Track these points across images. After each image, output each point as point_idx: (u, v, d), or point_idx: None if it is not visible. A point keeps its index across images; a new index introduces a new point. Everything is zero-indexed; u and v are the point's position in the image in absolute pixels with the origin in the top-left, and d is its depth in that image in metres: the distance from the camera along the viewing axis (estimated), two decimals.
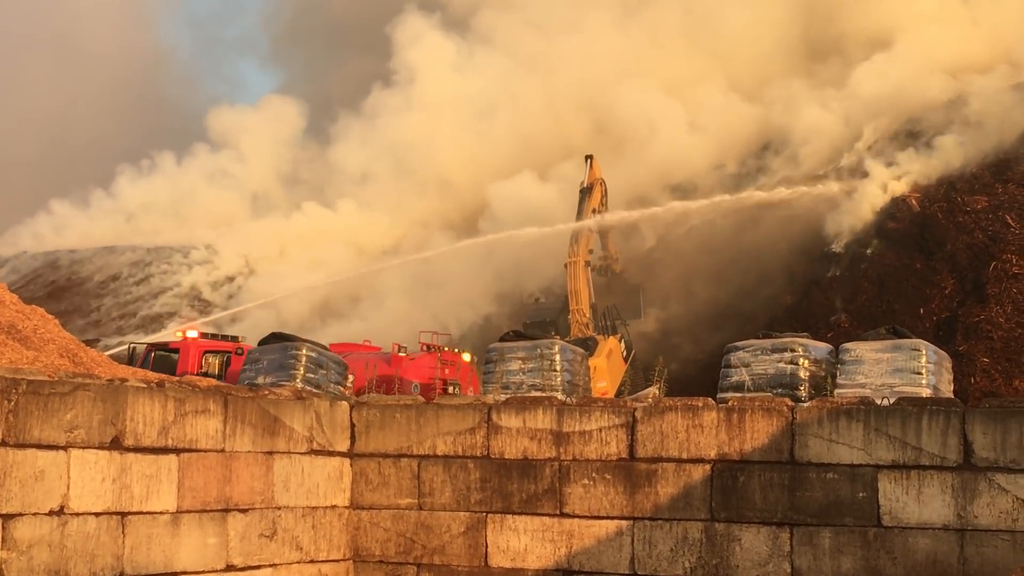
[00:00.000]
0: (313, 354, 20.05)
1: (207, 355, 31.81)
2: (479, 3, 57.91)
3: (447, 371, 32.56)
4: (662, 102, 49.54)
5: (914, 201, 38.53)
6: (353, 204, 56.93)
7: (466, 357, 33.75)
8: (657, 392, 20.69)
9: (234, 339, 34.16)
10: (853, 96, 44.95)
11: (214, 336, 34.13)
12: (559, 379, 19.22)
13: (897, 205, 38.79)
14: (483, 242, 45.85)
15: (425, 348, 33.13)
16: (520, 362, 19.51)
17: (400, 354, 32.06)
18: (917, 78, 43.52)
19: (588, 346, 32.55)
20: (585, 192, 38.13)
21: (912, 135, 41.47)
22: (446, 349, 33.34)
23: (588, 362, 29.31)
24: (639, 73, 50.89)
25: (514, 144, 52.60)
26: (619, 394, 31.55)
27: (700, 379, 27.12)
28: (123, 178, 66.39)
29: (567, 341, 31.10)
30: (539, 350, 19.54)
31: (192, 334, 33.14)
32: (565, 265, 37.05)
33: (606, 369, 33.64)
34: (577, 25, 54.35)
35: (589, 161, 38.45)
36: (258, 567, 16.77)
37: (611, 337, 35.91)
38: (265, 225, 58.48)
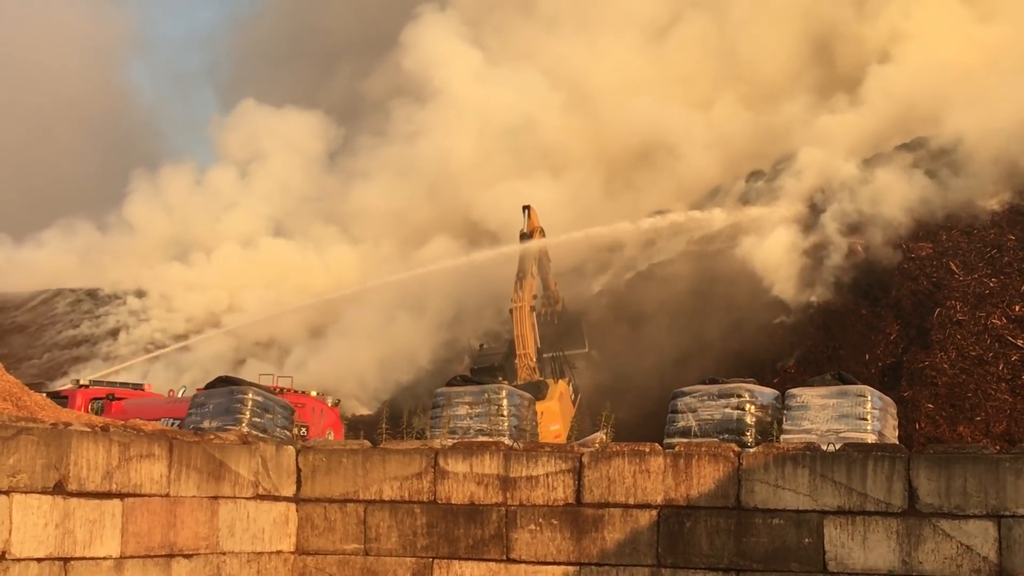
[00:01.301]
0: (259, 398, 19.91)
1: (93, 401, 31.79)
2: (492, 9, 56.67)
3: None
4: (679, 118, 49.13)
5: (859, 247, 38.80)
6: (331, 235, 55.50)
7: (329, 401, 33.71)
8: (604, 437, 20.69)
9: (137, 386, 34.18)
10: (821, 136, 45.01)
11: (112, 384, 34.16)
12: (506, 424, 19.18)
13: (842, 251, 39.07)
14: (422, 273, 45.55)
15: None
16: (467, 407, 19.46)
17: None
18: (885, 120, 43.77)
19: (540, 389, 32.61)
20: (526, 238, 38.21)
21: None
22: (284, 390, 33.09)
23: (541, 406, 29.43)
24: (659, 86, 50.45)
25: (534, 159, 51.72)
26: (567, 439, 31.54)
27: (647, 424, 27.13)
28: (80, 216, 65.45)
29: (518, 386, 31.22)
30: (486, 395, 19.50)
31: (85, 382, 33.31)
32: (510, 311, 37.07)
33: (559, 412, 33.66)
34: (598, 35, 53.54)
35: (527, 211, 38.45)
36: None
37: (561, 380, 35.96)
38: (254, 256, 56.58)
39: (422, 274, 45.71)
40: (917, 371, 32.54)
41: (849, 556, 15.91)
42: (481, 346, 40.92)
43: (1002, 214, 37.46)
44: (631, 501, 16.85)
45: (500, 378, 32.09)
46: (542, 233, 38.77)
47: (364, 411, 42.81)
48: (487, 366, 36.90)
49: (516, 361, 36.42)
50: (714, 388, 18.41)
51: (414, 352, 46.90)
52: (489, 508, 17.47)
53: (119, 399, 31.96)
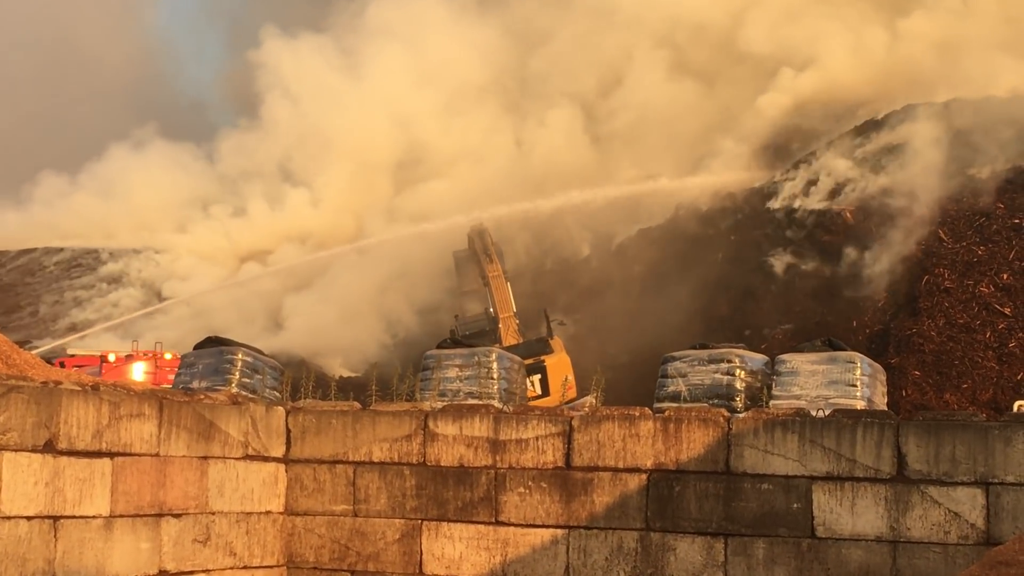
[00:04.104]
0: (249, 359, 19.94)
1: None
2: None
3: (170, 378, 32.93)
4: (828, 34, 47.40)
5: (848, 214, 38.82)
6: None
7: None
8: (594, 401, 20.74)
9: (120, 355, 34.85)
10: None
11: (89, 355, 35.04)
12: (496, 387, 19.24)
13: (831, 218, 39.09)
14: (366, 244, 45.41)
15: (141, 355, 33.82)
16: (457, 369, 19.51)
17: (111, 360, 32.86)
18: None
19: (546, 346, 33.04)
20: (475, 231, 38.67)
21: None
22: (154, 352, 33.84)
23: (552, 359, 30.04)
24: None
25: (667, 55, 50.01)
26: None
27: (636, 389, 27.20)
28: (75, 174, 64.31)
29: (523, 344, 31.58)
30: (476, 357, 19.54)
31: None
32: (486, 283, 37.40)
33: (569, 363, 33.84)
34: None
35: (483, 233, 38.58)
36: (191, 572, 16.66)
37: (556, 337, 36.15)
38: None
39: (401, 237, 45.59)
40: (904, 338, 32.61)
41: (837, 522, 15.96)
42: (456, 316, 40.98)
43: (991, 182, 37.45)
44: (620, 465, 16.88)
45: (493, 342, 32.31)
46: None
47: (352, 373, 42.76)
48: (476, 332, 37.01)
49: (500, 325, 36.61)
50: (704, 353, 18.48)
51: (402, 314, 46.85)
52: (478, 471, 17.49)
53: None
